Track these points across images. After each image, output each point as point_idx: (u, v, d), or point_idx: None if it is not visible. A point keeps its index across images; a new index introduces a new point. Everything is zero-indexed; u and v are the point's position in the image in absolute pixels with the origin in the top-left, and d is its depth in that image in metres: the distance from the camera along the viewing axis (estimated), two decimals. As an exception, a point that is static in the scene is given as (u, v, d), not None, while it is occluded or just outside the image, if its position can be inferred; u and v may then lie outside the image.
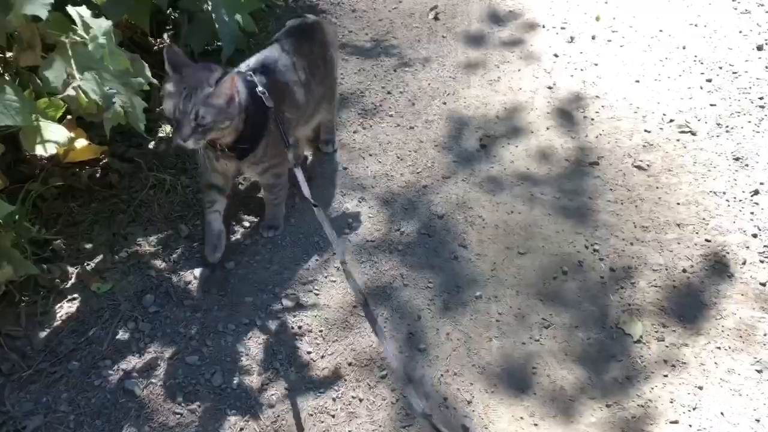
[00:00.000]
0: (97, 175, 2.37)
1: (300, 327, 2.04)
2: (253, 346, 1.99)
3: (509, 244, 2.28)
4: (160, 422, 1.79)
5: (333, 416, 1.84)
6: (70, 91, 1.70)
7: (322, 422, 1.83)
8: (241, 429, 1.80)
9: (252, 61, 2.15)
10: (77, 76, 1.71)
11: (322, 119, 2.50)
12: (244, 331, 2.02)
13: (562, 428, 1.81)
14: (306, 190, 1.95)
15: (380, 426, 1.82)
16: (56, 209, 2.26)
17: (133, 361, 1.92)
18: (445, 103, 2.86)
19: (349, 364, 1.95)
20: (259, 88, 1.98)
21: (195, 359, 1.93)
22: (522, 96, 2.89)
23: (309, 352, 1.99)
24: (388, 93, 2.90)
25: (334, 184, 2.49)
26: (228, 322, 2.03)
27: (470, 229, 2.34)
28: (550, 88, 2.93)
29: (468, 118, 2.79)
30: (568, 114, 2.81)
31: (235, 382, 1.89)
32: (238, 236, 2.29)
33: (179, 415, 1.81)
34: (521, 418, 1.83)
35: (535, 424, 1.82)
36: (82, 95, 1.72)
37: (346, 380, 1.91)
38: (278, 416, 1.83)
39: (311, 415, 1.84)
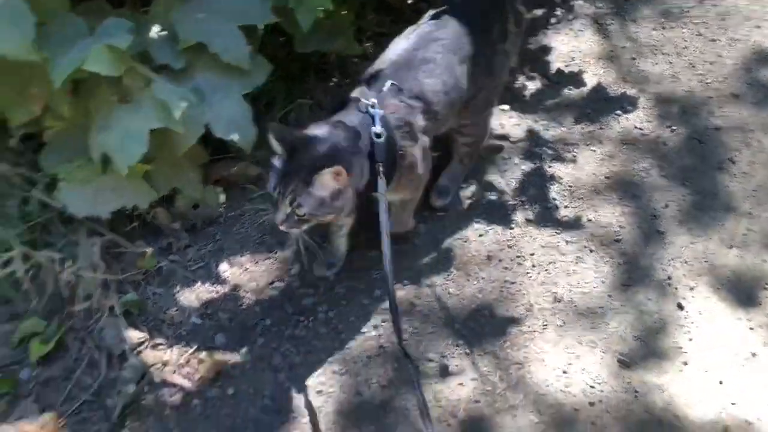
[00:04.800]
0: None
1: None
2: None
3: (781, 175, 2.24)
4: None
5: (563, 254, 2.04)
6: None
7: (552, 255, 2.03)
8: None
9: (383, 62, 1.81)
10: None
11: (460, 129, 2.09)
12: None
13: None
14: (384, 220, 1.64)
15: (597, 279, 1.98)
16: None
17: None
18: (758, 27, 2.75)
19: (589, 220, 2.12)
20: (376, 130, 1.65)
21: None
22: None
23: (554, 199, 2.18)
24: (700, 2, 2.84)
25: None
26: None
27: (744, 149, 2.32)
28: None
29: (778, 48, 2.67)
30: None
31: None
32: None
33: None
34: (739, 319, 1.90)
35: (751, 329, 1.88)
36: None
37: (584, 232, 2.09)
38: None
39: (543, 246, 2.06)
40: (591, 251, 2.04)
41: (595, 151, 2.34)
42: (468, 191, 2.20)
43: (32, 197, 1.86)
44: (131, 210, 1.86)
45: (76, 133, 1.85)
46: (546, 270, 1.99)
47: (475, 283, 1.97)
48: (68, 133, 1.87)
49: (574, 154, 2.33)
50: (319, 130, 1.65)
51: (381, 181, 1.65)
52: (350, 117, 1.69)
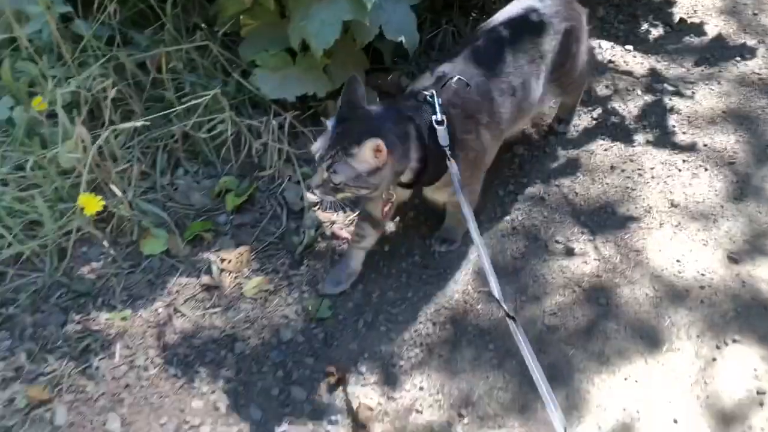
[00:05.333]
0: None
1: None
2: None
3: None
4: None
5: (680, 170, 2.28)
6: None
7: (670, 170, 2.27)
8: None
9: (449, 66, 1.84)
10: None
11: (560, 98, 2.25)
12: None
13: None
14: (471, 223, 1.64)
15: (711, 192, 2.20)
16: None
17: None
18: None
19: (705, 145, 2.34)
20: (437, 117, 1.68)
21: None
22: None
23: (673, 126, 2.41)
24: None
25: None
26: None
27: None
28: None
29: None
30: None
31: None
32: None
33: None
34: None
35: None
36: None
37: (700, 154, 2.31)
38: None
39: (662, 163, 2.30)
40: (706, 170, 2.26)
41: (713, 89, 2.55)
42: (594, 113, 2.45)
43: (231, 80, 2.23)
44: (310, 97, 2.20)
45: (269, 29, 2.21)
46: (664, 182, 2.23)
47: (600, 186, 2.22)
48: (262, 30, 2.23)
49: (693, 91, 2.54)
50: (374, 108, 1.71)
51: (452, 164, 1.67)
52: (406, 104, 1.74)
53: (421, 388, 1.76)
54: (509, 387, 1.76)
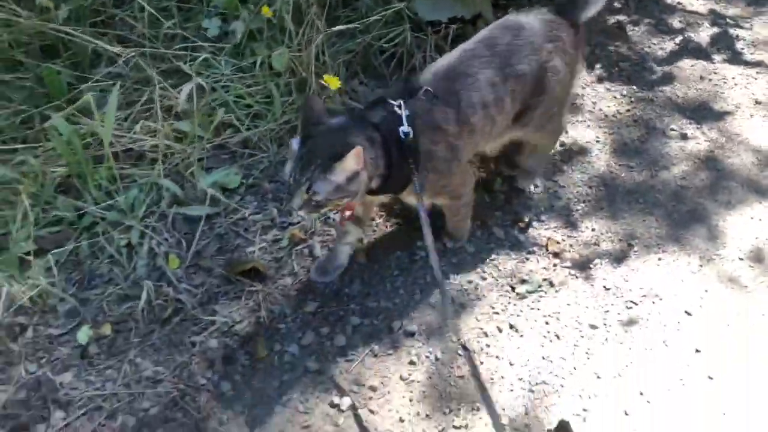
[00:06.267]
0: None
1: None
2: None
3: None
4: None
5: (755, 79, 2.79)
6: None
7: (748, 78, 2.78)
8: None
9: (427, 73, 1.85)
10: None
11: (522, 139, 2.11)
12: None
13: None
14: (429, 239, 1.71)
15: None
16: None
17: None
18: None
19: None
20: (404, 129, 1.68)
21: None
22: None
23: (741, 48, 2.92)
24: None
25: None
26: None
27: None
28: None
29: None
30: None
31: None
32: None
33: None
34: None
35: None
36: None
37: (766, 69, 2.82)
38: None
39: (740, 74, 2.81)
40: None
41: (766, 22, 3.09)
42: (676, 39, 2.97)
43: (392, 6, 2.66)
44: (457, 19, 2.65)
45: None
46: (745, 86, 2.75)
47: (695, 91, 2.72)
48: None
49: (751, 24, 3.08)
50: (337, 120, 1.71)
51: (416, 178, 1.71)
52: (372, 114, 1.73)
53: (593, 229, 2.20)
54: (662, 226, 2.22)
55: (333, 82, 2.10)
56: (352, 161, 1.58)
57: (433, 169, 1.78)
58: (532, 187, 2.28)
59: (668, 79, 2.77)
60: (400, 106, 1.70)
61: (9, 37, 2.26)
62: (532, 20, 1.94)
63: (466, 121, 1.81)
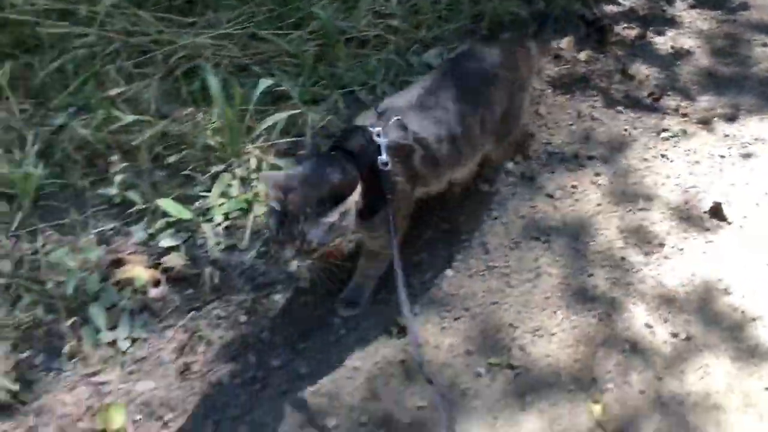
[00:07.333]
0: None
1: None
2: None
3: None
4: None
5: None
6: None
7: (807, 7, 3.52)
8: None
9: (395, 100, 1.91)
10: None
11: (487, 153, 2.22)
12: None
13: None
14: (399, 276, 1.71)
15: None
16: None
17: None
18: None
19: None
20: (383, 159, 1.70)
21: None
22: None
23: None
24: None
25: None
26: None
27: None
28: None
29: None
30: None
31: None
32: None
33: None
34: None
35: None
36: None
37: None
38: None
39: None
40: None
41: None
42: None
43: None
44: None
45: None
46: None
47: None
48: None
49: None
50: (309, 164, 1.71)
51: (390, 208, 1.72)
52: (350, 143, 1.75)
53: (707, 101, 2.91)
54: (758, 100, 2.93)
55: None
56: (353, 202, 1.64)
57: (396, 200, 1.79)
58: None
59: (745, 6, 3.51)
60: (379, 134, 1.74)
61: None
62: (491, 50, 2.19)
63: (432, 154, 1.89)
